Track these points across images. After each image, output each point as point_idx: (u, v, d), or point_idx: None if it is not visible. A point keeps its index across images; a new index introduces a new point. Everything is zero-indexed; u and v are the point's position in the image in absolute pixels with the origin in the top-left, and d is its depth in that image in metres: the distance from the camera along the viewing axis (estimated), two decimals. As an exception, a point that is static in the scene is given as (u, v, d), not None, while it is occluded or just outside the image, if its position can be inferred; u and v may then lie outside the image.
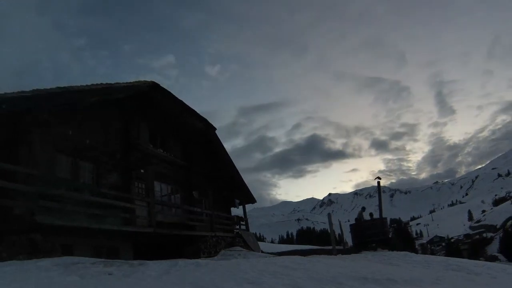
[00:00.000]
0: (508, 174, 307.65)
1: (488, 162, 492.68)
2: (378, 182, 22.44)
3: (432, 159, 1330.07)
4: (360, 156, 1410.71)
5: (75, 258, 7.06)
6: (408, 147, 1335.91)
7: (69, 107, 10.07)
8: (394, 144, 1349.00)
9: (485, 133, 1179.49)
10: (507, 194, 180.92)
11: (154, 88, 12.90)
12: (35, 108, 8.89)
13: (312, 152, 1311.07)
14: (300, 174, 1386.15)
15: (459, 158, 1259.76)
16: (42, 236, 8.34)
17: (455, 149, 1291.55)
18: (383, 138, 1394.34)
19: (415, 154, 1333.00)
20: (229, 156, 19.40)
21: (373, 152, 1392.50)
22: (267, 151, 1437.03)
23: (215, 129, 17.73)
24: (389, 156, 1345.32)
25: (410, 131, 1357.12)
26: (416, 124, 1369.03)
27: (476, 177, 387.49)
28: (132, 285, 4.95)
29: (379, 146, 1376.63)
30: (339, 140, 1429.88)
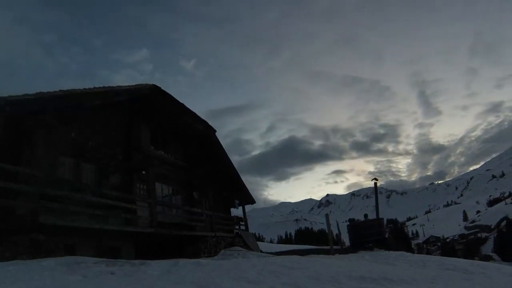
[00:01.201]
0: (502, 175, 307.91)
1: (482, 163, 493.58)
2: (375, 184, 22.50)
3: (422, 160, 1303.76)
4: (342, 158, 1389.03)
5: (77, 258, 7.04)
6: (393, 149, 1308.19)
7: (72, 109, 10.08)
8: (376, 146, 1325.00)
9: (477, 132, 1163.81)
10: (501, 195, 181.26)
11: (155, 91, 12.93)
12: (39, 110, 8.89)
13: (292, 155, 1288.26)
14: (283, 176, 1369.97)
15: (451, 159, 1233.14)
16: (45, 236, 8.33)
17: (444, 150, 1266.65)
18: (365, 139, 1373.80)
19: (404, 156, 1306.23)
20: (229, 158, 19.40)
21: (354, 154, 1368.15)
22: (245, 154, 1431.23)
23: (215, 131, 17.73)
24: (372, 158, 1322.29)
25: (393, 132, 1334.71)
26: (400, 125, 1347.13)
27: (471, 178, 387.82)
28: (134, 284, 4.95)
29: (361, 147, 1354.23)
30: (317, 142, 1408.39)
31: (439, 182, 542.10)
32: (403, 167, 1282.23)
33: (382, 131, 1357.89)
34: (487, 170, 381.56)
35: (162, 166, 15.05)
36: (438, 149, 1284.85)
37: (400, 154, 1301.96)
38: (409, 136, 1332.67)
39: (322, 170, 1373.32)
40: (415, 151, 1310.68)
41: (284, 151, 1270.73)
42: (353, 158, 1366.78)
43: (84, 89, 10.05)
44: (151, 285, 4.92)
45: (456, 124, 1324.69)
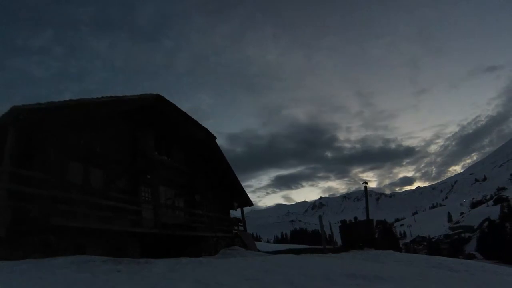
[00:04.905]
0: (484, 179, 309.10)
1: (462, 165, 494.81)
2: (365, 187, 22.53)
3: (388, 165, 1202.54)
4: (280, 166, 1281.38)
5: (86, 257, 7.05)
6: (333, 155, 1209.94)
7: (81, 118, 10.11)
8: (315, 151, 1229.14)
9: (453, 128, 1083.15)
10: (484, 198, 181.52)
11: (158, 100, 12.98)
12: (50, 118, 8.92)
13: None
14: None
15: (427, 160, 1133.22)
16: (56, 237, 8.32)
17: (414, 153, 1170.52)
18: (298, 145, 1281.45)
19: (369, 162, 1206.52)
20: (228, 163, 19.39)
21: (293, 161, 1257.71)
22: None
23: (215, 138, 17.75)
24: (316, 165, 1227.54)
25: (332, 135, 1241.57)
26: (340, 128, 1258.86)
27: (455, 182, 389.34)
28: (139, 281, 4.96)
29: (298, 153, 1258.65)
30: (239, 149, 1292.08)
31: (425, 185, 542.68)
32: (369, 173, 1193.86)
33: (315, 135, 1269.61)
34: (470, 174, 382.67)
35: (166, 170, 15.05)
36: (403, 152, 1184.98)
37: (352, 159, 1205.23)
38: (351, 140, 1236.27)
39: (266, 177, 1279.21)
40: (374, 154, 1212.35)
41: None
42: (292, 165, 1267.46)
43: (92, 98, 10.08)
44: (156, 282, 4.93)
45: (417, 125, 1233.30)
